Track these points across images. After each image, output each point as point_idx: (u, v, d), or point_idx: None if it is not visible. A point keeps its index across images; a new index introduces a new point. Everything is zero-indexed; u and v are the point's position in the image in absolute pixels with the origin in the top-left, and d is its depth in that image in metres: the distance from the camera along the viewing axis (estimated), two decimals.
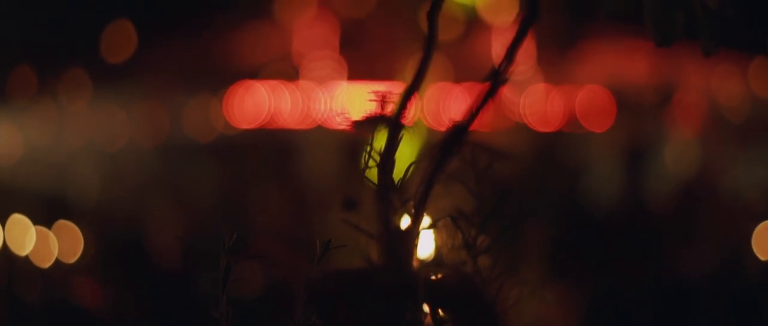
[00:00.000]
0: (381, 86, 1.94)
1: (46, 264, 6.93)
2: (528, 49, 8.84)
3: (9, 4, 9.54)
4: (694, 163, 8.95)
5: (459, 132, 1.91)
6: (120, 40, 10.00)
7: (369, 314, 1.92)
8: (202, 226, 7.52)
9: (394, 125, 1.88)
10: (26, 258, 6.95)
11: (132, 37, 9.97)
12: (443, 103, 9.17)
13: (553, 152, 9.45)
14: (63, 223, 7.38)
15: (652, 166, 8.88)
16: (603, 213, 8.36)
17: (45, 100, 10.18)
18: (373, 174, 1.90)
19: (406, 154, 1.92)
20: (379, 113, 1.89)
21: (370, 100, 1.90)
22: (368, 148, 1.88)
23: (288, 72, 10.01)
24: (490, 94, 1.92)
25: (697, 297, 6.18)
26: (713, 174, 8.77)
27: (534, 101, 9.60)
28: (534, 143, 9.31)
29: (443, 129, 1.93)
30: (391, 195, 1.89)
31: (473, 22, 9.46)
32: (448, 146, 1.91)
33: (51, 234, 7.23)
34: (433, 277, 1.98)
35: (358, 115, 1.91)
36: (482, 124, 1.93)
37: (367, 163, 1.90)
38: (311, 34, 9.99)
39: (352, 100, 9.52)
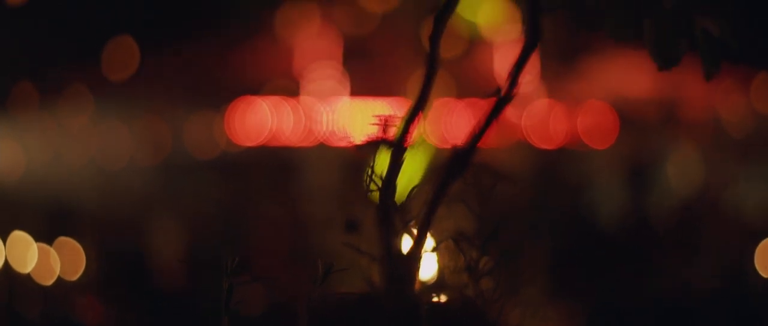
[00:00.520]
0: (383, 102, 1.93)
1: (48, 281, 6.90)
2: (531, 66, 8.82)
3: (11, 19, 9.53)
4: (697, 179, 8.93)
5: (462, 155, 1.90)
6: (122, 56, 9.99)
7: None
8: (204, 244, 7.50)
9: (397, 148, 1.88)
10: (28, 276, 6.93)
11: (134, 53, 9.96)
12: (446, 120, 9.15)
13: (556, 169, 9.43)
14: (65, 240, 7.36)
15: (655, 183, 8.86)
16: (606, 230, 8.34)
17: (47, 115, 10.16)
18: (375, 195, 1.89)
19: (408, 173, 1.91)
20: (381, 137, 1.88)
21: (373, 124, 1.89)
22: (370, 171, 1.87)
23: (290, 88, 9.99)
24: (493, 116, 1.91)
25: (700, 314, 6.16)
26: (716, 191, 8.75)
27: (536, 118, 9.58)
28: (536, 160, 9.29)
29: (446, 146, 1.92)
30: (393, 218, 1.88)
31: (476, 39, 9.45)
32: (452, 170, 1.90)
33: (53, 251, 7.21)
34: (435, 300, 1.97)
35: (360, 133, 1.90)
36: (484, 142, 1.92)
37: (368, 185, 1.89)
38: (313, 49, 9.98)
39: (354, 116, 9.50)
